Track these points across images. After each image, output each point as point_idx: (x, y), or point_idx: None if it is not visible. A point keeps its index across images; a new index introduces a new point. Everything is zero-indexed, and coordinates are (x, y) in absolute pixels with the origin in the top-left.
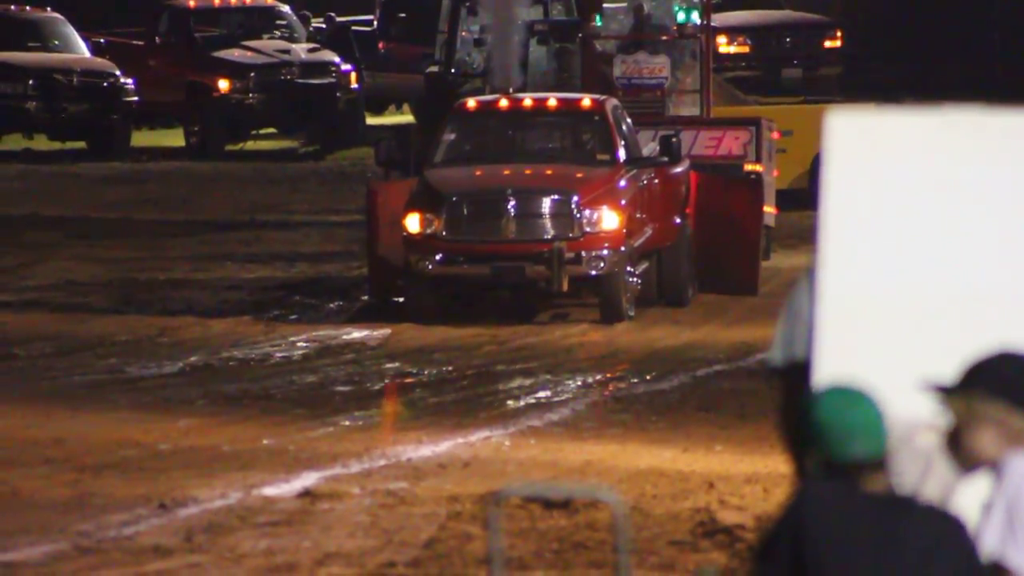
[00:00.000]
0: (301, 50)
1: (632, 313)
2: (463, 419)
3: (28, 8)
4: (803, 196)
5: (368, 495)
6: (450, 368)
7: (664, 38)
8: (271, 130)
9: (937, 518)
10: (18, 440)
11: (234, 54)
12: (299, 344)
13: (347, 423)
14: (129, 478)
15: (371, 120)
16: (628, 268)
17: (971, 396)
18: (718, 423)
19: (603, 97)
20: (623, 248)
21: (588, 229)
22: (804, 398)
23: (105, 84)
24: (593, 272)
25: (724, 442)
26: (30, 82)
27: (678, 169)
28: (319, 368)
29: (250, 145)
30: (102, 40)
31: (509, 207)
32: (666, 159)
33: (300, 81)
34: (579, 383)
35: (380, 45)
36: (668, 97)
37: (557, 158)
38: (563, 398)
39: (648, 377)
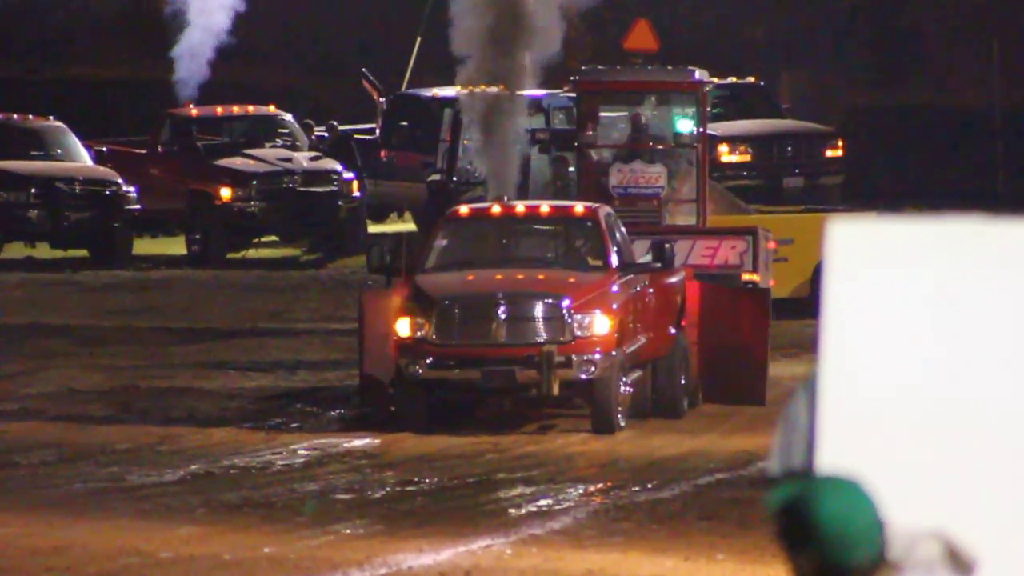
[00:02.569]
0: (303, 158)
1: (623, 423)
2: (464, 527)
3: (31, 117)
4: (805, 305)
5: None
6: (451, 476)
7: (660, 147)
8: (273, 238)
9: None
10: (19, 549)
11: (236, 162)
12: (300, 452)
13: (348, 531)
14: None
15: (373, 228)
16: (620, 376)
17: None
18: (719, 532)
19: (596, 204)
20: (614, 353)
21: (579, 333)
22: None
23: (107, 192)
24: (583, 376)
25: (726, 551)
26: (32, 190)
27: (673, 279)
28: (320, 476)
29: (252, 253)
30: (104, 148)
31: (500, 311)
32: (659, 265)
33: (302, 189)
34: (580, 491)
35: (382, 153)
36: (664, 206)
37: (549, 264)
38: (564, 506)
39: (649, 486)
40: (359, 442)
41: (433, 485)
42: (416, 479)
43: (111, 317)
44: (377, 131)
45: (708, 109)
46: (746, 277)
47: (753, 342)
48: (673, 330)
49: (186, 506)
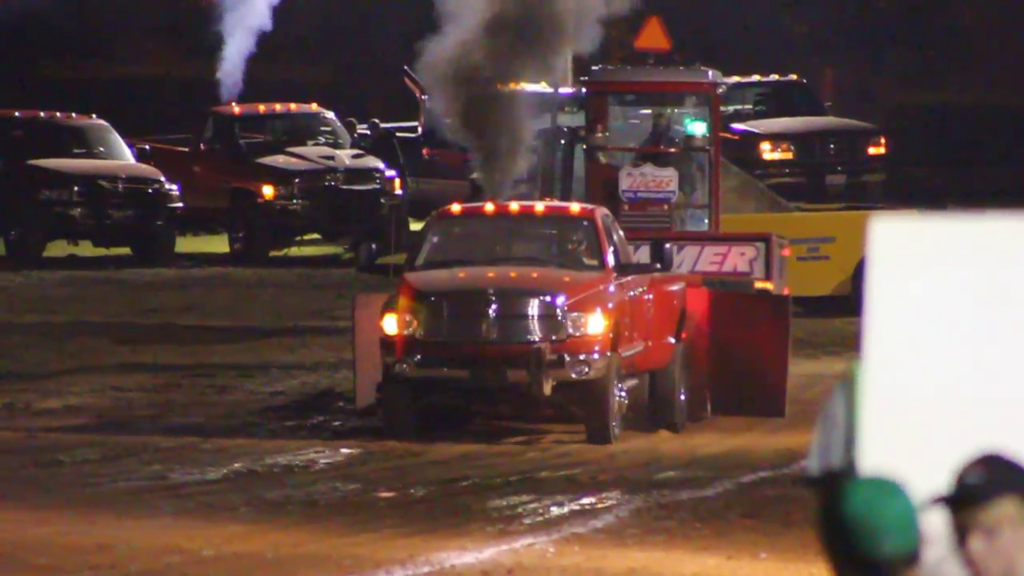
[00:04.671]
0: (345, 156)
1: (618, 432)
2: (507, 526)
3: (73, 115)
4: (847, 303)
5: None
6: (493, 474)
7: (672, 151)
8: (315, 236)
9: None
10: (62, 547)
11: (278, 160)
12: (342, 451)
13: (390, 529)
14: None
15: (415, 226)
16: (616, 382)
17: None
18: (762, 530)
19: (592, 205)
20: (610, 354)
21: (573, 332)
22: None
23: (150, 190)
24: (574, 375)
25: (769, 549)
26: (75, 188)
27: (673, 287)
28: (362, 475)
29: (294, 251)
30: (147, 146)
31: (491, 308)
32: (658, 266)
33: (344, 187)
34: (622, 490)
35: (424, 151)
36: (675, 211)
37: (543, 262)
38: (607, 505)
39: (692, 484)
40: (402, 440)
41: (475, 483)
42: (458, 477)
43: (153, 315)
44: (419, 129)
45: (720, 110)
46: (759, 285)
47: (772, 351)
48: (672, 340)
49: (229, 504)
